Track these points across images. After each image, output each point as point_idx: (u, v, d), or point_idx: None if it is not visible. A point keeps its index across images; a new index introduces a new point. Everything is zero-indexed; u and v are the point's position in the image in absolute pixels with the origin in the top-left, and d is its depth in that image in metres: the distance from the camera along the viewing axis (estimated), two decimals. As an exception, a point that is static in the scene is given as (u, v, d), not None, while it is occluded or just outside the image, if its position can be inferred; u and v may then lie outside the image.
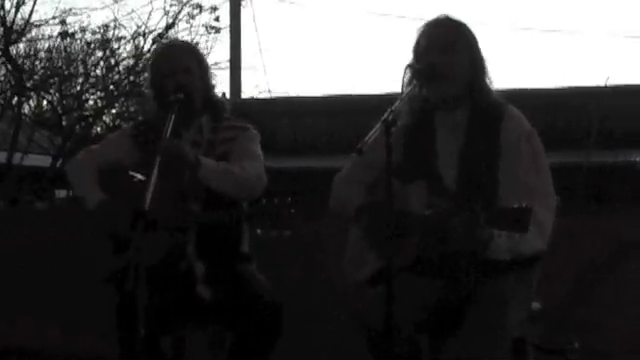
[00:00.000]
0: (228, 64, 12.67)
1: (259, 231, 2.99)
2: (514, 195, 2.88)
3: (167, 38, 11.27)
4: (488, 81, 3.09)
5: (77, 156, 3.69)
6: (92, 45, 11.59)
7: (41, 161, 11.81)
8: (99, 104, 12.18)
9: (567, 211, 3.06)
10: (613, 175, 9.26)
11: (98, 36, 11.47)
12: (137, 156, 3.46)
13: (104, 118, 12.83)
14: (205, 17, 12.00)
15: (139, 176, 3.32)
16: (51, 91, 12.03)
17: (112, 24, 11.36)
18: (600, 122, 9.49)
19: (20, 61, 11.49)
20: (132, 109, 12.51)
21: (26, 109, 12.11)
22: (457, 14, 3.16)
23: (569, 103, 10.51)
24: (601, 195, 8.69)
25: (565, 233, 3.02)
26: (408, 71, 3.09)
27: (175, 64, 3.43)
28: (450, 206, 2.89)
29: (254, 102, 13.27)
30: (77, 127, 12.02)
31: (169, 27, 11.30)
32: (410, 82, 3.07)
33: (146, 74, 11.63)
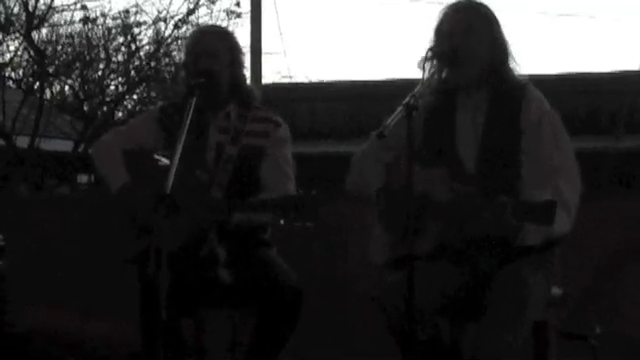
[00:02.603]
0: (249, 49, 12.67)
1: (282, 222, 2.96)
2: (537, 175, 2.88)
3: (188, 23, 11.28)
4: (511, 63, 3.08)
5: (103, 137, 3.71)
6: (113, 31, 11.62)
7: (63, 146, 11.88)
8: (120, 89, 12.22)
9: (594, 196, 3.03)
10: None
11: (119, 21, 11.49)
12: (163, 138, 3.47)
13: (125, 103, 12.87)
14: (226, 2, 12.00)
15: (164, 159, 3.34)
16: (73, 76, 12.09)
17: (133, 9, 11.38)
18: (629, 107, 9.43)
19: (42, 47, 11.54)
20: (153, 94, 12.54)
21: (48, 94, 12.17)
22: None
23: (598, 88, 10.43)
24: (629, 180, 8.63)
25: (592, 218, 2.99)
26: (429, 54, 3.08)
27: (202, 49, 3.43)
28: (472, 191, 2.88)
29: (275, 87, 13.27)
30: (98, 112, 12.07)
31: (190, 12, 11.28)
32: (431, 66, 3.06)
33: (167, 60, 11.74)
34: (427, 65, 3.06)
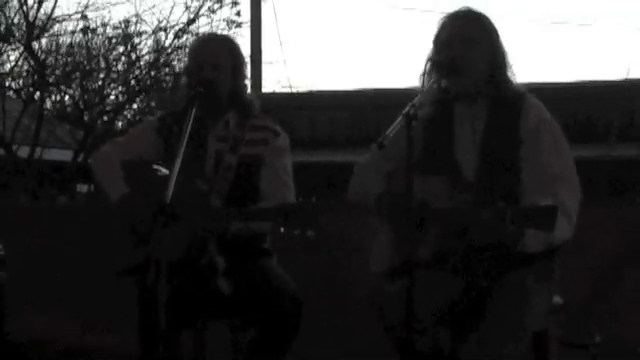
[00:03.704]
0: (248, 59, 12.68)
1: (282, 230, 2.96)
2: (537, 183, 2.88)
3: (189, 33, 11.30)
4: (509, 73, 3.09)
5: (102, 148, 3.71)
6: (113, 40, 11.63)
7: (63, 155, 11.87)
8: (120, 99, 12.23)
9: (590, 203, 3.03)
10: (636, 168, 9.19)
11: (119, 31, 11.51)
12: (162, 148, 3.47)
13: (125, 113, 12.87)
14: (226, 12, 12.02)
15: (163, 169, 3.33)
16: (73, 86, 12.09)
17: (133, 19, 11.39)
18: (622, 115, 9.45)
19: (42, 56, 11.56)
20: (153, 104, 12.54)
21: (48, 104, 12.18)
22: (481, 8, 3.16)
23: (591, 96, 10.46)
24: (624, 188, 8.64)
25: (588, 225, 2.99)
26: (429, 64, 3.09)
27: (204, 58, 3.43)
28: (471, 199, 2.88)
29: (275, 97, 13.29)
30: (98, 122, 12.07)
31: (190, 22, 11.30)
32: (430, 75, 3.07)
33: (167, 69, 11.74)
34: (426, 74, 3.07)
